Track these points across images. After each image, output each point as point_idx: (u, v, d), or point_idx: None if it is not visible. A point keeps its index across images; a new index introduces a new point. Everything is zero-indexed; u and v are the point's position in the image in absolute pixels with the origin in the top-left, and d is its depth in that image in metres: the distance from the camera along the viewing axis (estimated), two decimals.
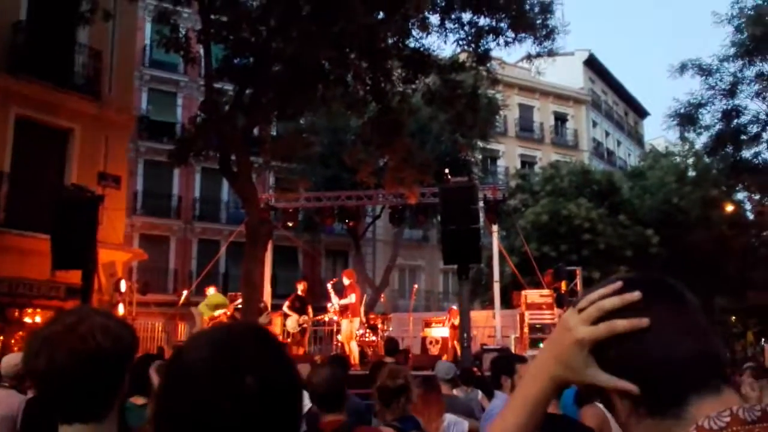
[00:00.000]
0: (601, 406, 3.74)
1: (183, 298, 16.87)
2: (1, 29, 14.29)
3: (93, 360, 1.36)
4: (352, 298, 13.87)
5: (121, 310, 14.71)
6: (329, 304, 14.78)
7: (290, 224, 17.62)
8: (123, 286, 14.99)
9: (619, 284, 0.95)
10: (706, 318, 0.96)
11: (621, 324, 0.91)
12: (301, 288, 14.88)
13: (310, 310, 14.74)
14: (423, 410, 3.80)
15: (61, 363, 1.35)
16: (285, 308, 14.51)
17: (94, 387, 1.37)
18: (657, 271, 1.04)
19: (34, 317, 14.68)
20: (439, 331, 14.85)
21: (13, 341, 13.97)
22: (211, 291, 15.05)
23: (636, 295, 0.93)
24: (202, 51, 12.43)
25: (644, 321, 0.91)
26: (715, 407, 0.88)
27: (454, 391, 6.36)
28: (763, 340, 36.26)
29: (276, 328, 13.89)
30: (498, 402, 4.78)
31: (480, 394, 7.01)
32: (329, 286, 14.75)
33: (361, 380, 6.85)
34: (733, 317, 34.61)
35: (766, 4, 18.55)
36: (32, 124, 14.90)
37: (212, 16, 12.03)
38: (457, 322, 14.03)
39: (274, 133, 20.35)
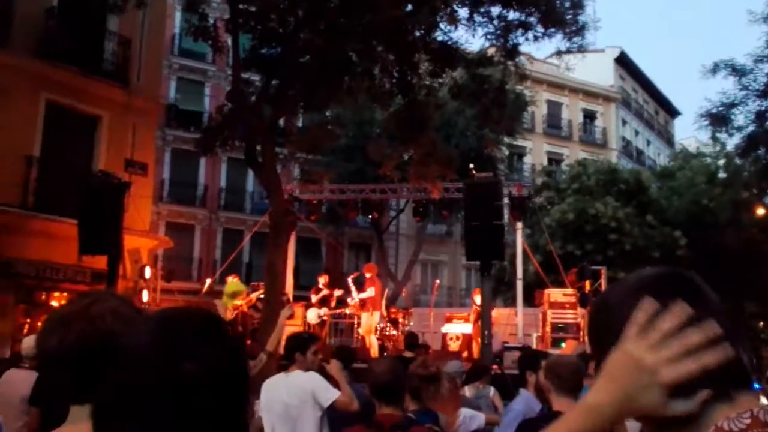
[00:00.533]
0: None
1: (207, 286, 17.01)
2: (34, 15, 14.47)
3: (102, 341, 1.35)
4: (371, 292, 13.86)
5: (145, 296, 14.87)
6: (349, 299, 14.81)
7: (314, 216, 17.67)
8: (148, 272, 15.14)
9: (688, 311, 0.89)
10: (730, 321, 0.94)
11: (710, 358, 0.86)
12: (322, 281, 14.92)
13: (332, 302, 14.79)
14: (447, 405, 3.77)
15: (71, 343, 1.36)
16: (313, 299, 14.57)
17: (104, 368, 1.37)
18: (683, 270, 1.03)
19: (60, 301, 14.91)
20: (461, 327, 14.78)
21: (39, 324, 14.21)
22: (230, 280, 15.16)
23: (715, 329, 0.89)
24: (230, 41, 12.47)
25: (726, 351, 0.87)
26: (734, 411, 0.88)
27: (465, 389, 6.32)
28: None
29: (298, 320, 13.94)
30: (520, 400, 4.73)
31: (492, 390, 6.94)
32: (350, 280, 14.76)
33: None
34: (761, 323, 34.00)
35: None
36: (62, 109, 15.09)
37: (240, 6, 12.05)
38: (478, 301, 13.96)
39: (300, 125, 20.41)
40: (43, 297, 14.92)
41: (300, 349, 4.71)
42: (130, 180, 13.50)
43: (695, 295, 0.95)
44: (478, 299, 14.56)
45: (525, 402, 4.62)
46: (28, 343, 4.91)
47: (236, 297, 14.52)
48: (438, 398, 3.63)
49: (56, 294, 14.93)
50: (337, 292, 15.02)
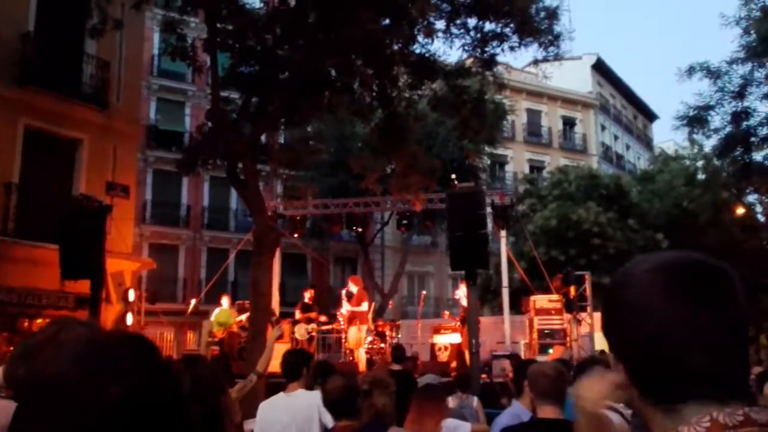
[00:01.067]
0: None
1: (192, 306, 16.88)
2: (10, 40, 14.41)
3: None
4: (364, 306, 13.87)
5: (129, 319, 14.73)
6: (340, 311, 14.75)
7: (298, 232, 17.65)
8: (132, 295, 15.00)
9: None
10: (738, 319, 0.93)
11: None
12: (308, 296, 14.88)
13: (317, 317, 14.75)
14: (416, 419, 3.76)
15: (39, 373, 1.34)
16: (297, 316, 14.53)
17: (62, 398, 1.36)
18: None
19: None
20: (449, 338, 14.79)
21: None
22: (224, 301, 14.92)
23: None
24: (208, 60, 12.48)
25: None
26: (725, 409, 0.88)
27: (449, 399, 6.31)
28: None
29: (285, 337, 13.88)
30: (507, 412, 4.71)
31: (476, 400, 6.93)
32: (343, 293, 14.70)
33: None
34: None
35: None
36: (41, 134, 15.00)
37: (218, 25, 12.07)
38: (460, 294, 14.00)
39: (282, 141, 20.42)
40: (27, 324, 14.74)
41: (306, 365, 4.76)
42: (111, 203, 13.41)
43: (720, 281, 0.95)
44: (460, 293, 14.60)
45: (512, 414, 4.59)
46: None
47: (230, 324, 14.38)
48: (372, 412, 3.64)
49: (39, 321, 14.74)
50: (322, 318, 14.97)
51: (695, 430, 0.87)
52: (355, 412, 3.48)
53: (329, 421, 4.35)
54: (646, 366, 0.93)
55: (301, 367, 4.77)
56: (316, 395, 4.52)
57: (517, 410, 4.60)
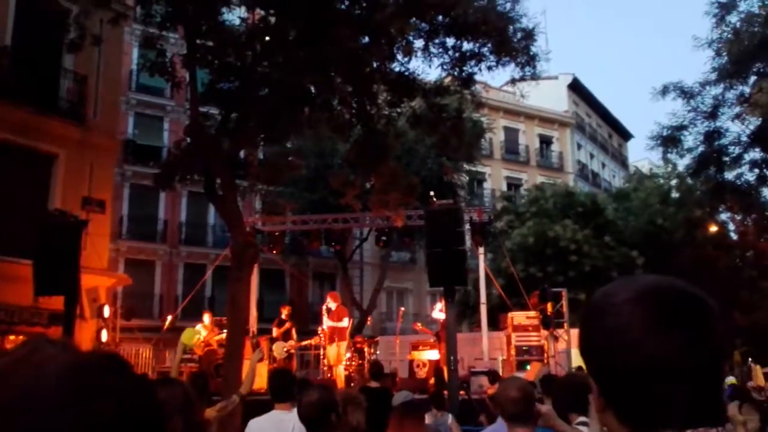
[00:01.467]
0: (581, 428, 3.71)
1: (168, 323, 16.69)
2: None
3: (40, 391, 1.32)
4: (345, 322, 13.83)
5: (104, 336, 14.52)
6: (321, 327, 14.64)
7: (276, 248, 17.59)
8: (107, 311, 14.80)
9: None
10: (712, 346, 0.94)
11: None
12: (285, 313, 14.79)
13: (293, 334, 14.65)
14: None
15: (9, 398, 1.31)
16: (274, 333, 14.42)
17: (46, 422, 1.33)
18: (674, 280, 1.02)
19: (16, 344, 14.45)
20: (428, 354, 14.79)
21: None
22: (206, 318, 14.61)
23: None
24: (187, 75, 12.46)
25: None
26: None
27: (426, 416, 6.29)
28: (750, 360, 36.41)
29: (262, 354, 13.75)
30: (494, 428, 4.71)
31: (450, 418, 6.93)
32: (324, 308, 14.59)
33: None
34: None
35: (743, 26, 18.89)
36: (17, 148, 14.84)
37: (198, 41, 12.08)
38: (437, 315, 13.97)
39: (261, 157, 20.39)
40: None
41: (294, 385, 4.75)
42: (87, 218, 13.28)
43: (697, 310, 0.96)
44: (438, 312, 14.62)
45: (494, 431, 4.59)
46: None
47: (193, 344, 14.08)
48: (347, 429, 3.65)
49: (12, 337, 14.50)
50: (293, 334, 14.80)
51: None
52: (330, 428, 3.48)
53: None
54: (625, 396, 0.95)
55: (290, 388, 4.75)
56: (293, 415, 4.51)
57: (499, 428, 4.59)
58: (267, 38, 11.81)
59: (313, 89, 12.23)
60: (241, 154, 15.26)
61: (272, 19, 12.19)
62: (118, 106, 20.39)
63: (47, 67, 15.49)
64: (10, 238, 13.70)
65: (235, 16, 13.32)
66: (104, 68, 16.76)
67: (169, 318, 17.05)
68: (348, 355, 14.16)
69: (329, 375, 14.00)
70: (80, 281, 11.92)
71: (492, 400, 3.56)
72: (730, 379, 24.16)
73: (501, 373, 13.68)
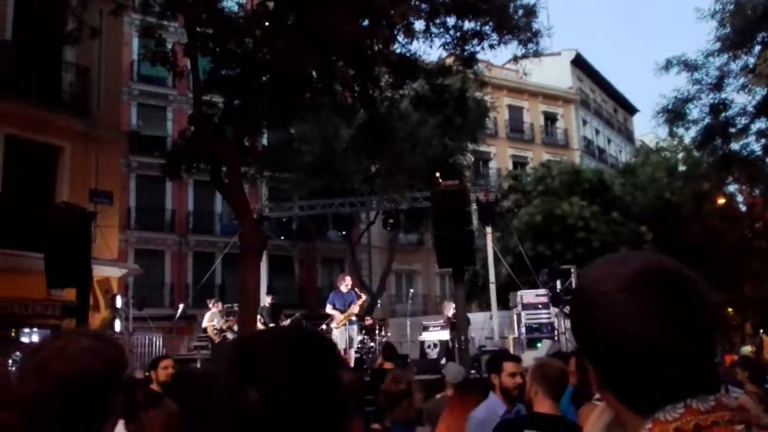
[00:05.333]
0: (599, 404, 3.74)
1: (179, 311, 16.84)
2: None
3: (82, 383, 1.34)
4: (356, 305, 13.73)
5: (117, 326, 14.67)
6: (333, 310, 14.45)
7: (284, 234, 17.66)
8: (119, 301, 14.95)
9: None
10: (704, 316, 0.96)
11: None
12: (269, 300, 14.61)
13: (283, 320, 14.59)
14: (452, 415, 3.73)
15: (50, 388, 1.33)
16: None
17: (85, 410, 1.36)
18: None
19: (31, 336, 14.63)
20: (438, 335, 14.85)
21: (10, 361, 13.92)
22: (212, 306, 14.71)
23: None
24: (189, 64, 12.46)
25: None
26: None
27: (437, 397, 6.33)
28: (761, 331, 36.42)
29: None
30: (483, 407, 4.73)
31: None
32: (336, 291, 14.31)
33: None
34: (730, 309, 34.74)
35: None
36: (22, 143, 14.90)
37: (198, 29, 12.06)
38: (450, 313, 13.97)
39: (266, 143, 20.40)
40: (13, 333, 14.65)
41: None
42: (95, 209, 13.36)
43: (688, 290, 0.97)
44: (449, 311, 14.63)
45: (487, 408, 4.57)
46: None
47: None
48: (411, 411, 3.66)
49: (26, 330, 14.67)
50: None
51: (670, 416, 0.92)
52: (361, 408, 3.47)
53: None
54: (622, 378, 0.97)
55: None
56: None
57: (491, 404, 4.58)
58: (267, 24, 11.78)
59: (314, 74, 12.21)
60: (246, 141, 15.28)
61: (271, 5, 12.16)
62: (121, 97, 20.40)
63: (49, 61, 15.50)
64: (21, 232, 13.81)
65: (233, 2, 13.29)
66: (105, 59, 16.76)
67: (181, 306, 17.19)
68: (360, 338, 14.22)
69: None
70: (91, 272, 12.03)
71: (535, 374, 3.56)
72: (746, 350, 24.18)
73: (512, 352, 13.73)
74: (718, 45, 19.88)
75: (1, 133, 14.57)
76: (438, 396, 5.99)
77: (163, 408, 2.44)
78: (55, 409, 1.34)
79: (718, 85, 20.81)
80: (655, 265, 1.00)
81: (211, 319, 14.44)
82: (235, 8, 13.07)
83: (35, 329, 14.62)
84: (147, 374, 6.37)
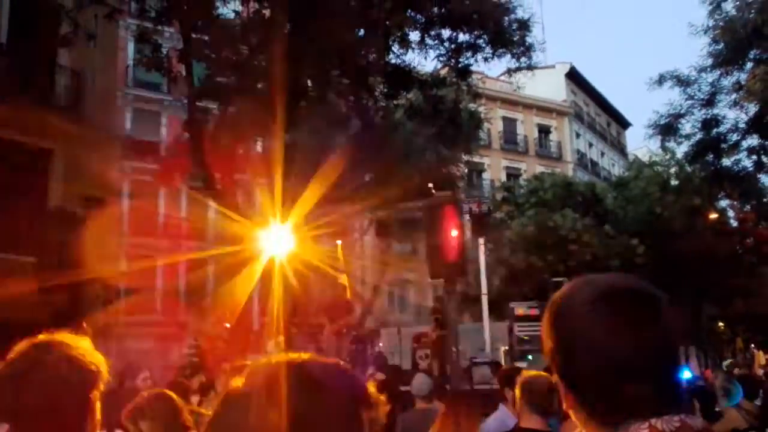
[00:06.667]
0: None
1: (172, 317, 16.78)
2: None
3: (60, 392, 1.35)
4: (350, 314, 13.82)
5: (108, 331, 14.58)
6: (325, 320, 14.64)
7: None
8: (110, 307, 14.88)
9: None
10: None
11: None
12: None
13: None
14: (445, 427, 3.70)
15: (28, 399, 1.33)
16: None
17: (63, 419, 1.35)
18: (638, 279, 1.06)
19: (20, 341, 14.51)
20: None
21: None
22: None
23: None
24: (184, 70, 12.47)
25: None
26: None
27: (435, 404, 6.28)
28: (752, 346, 36.49)
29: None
30: (494, 418, 4.72)
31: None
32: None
33: None
34: (721, 324, 34.82)
35: (739, 14, 18.83)
36: (15, 146, 14.84)
37: (193, 35, 12.08)
38: None
39: (259, 151, 20.37)
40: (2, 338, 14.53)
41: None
42: (88, 214, 13.31)
43: (651, 308, 1.00)
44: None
45: (499, 419, 4.60)
46: None
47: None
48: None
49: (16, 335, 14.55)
50: None
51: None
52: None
53: None
54: (589, 393, 0.99)
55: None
56: None
57: (502, 415, 4.60)
58: (262, 32, 11.82)
59: (309, 83, 12.24)
60: (240, 148, 15.27)
61: (267, 13, 12.19)
62: (115, 101, 20.36)
63: (43, 64, 15.47)
64: (12, 236, 13.73)
65: (229, 9, 13.32)
66: (100, 64, 16.74)
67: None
68: (352, 347, 14.21)
69: None
70: (83, 277, 11.98)
71: (522, 388, 3.55)
72: (726, 363, 24.20)
73: (503, 364, 13.72)
74: (710, 61, 20.03)
75: None
76: (416, 407, 5.89)
77: None
78: (34, 419, 1.32)
79: (710, 101, 20.95)
80: (620, 284, 1.03)
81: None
82: (231, 15, 13.10)
83: (26, 335, 14.51)
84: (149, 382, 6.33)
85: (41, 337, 1.49)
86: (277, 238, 17.48)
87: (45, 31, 14.84)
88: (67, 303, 11.45)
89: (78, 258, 11.35)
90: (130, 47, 24.13)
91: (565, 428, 4.17)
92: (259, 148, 18.73)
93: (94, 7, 12.15)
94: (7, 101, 14.31)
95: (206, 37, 12.29)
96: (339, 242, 14.11)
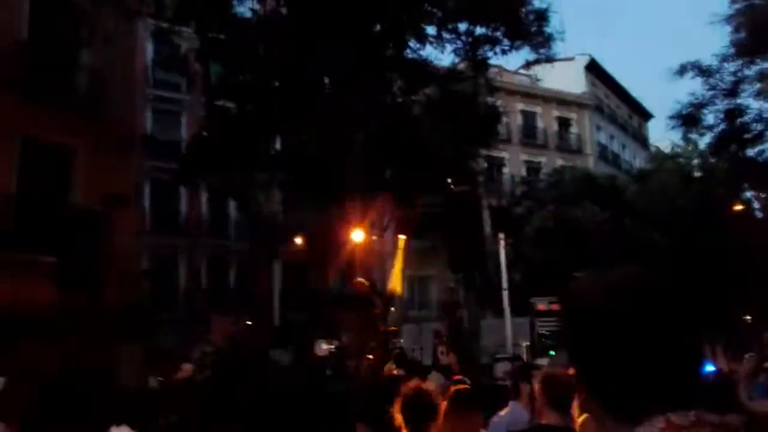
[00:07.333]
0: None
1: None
2: (6, 51, 14.44)
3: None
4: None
5: None
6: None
7: (298, 238, 17.65)
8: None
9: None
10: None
11: None
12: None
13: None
14: (448, 425, 3.68)
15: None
16: None
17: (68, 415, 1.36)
18: (662, 272, 1.04)
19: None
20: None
21: None
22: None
23: None
24: (201, 69, 12.54)
25: None
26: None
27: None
28: None
29: None
30: (508, 411, 4.72)
31: None
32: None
33: None
34: (748, 317, 34.33)
35: (762, 1, 18.52)
36: (37, 145, 15.03)
37: (210, 35, 12.14)
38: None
39: (278, 148, 20.45)
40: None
41: None
42: (109, 212, 13.43)
43: (670, 301, 0.98)
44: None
45: (513, 413, 4.62)
46: None
47: None
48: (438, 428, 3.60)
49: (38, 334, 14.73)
50: None
51: (649, 429, 0.92)
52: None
53: None
54: (606, 387, 0.98)
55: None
56: None
57: (515, 410, 4.62)
58: (278, 31, 11.84)
59: (326, 80, 12.25)
60: (259, 146, 15.32)
61: (283, 11, 12.21)
62: (135, 101, 20.52)
63: (64, 64, 15.64)
64: (34, 234, 13.90)
65: (246, 8, 13.37)
66: (120, 63, 16.87)
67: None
68: (373, 343, 14.17)
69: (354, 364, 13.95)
70: (104, 275, 12.11)
71: (542, 384, 3.52)
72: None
73: (525, 359, 13.66)
74: (733, 50, 19.72)
75: (16, 135, 14.70)
76: None
77: None
78: (36, 415, 1.34)
79: (733, 91, 20.64)
80: (638, 276, 1.02)
81: None
82: (248, 14, 13.13)
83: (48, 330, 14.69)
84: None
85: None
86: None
87: (66, 30, 15.01)
88: (88, 300, 11.57)
89: (99, 255, 11.46)
90: (149, 47, 24.34)
91: (580, 424, 4.10)
92: (277, 145, 18.82)
93: (114, 8, 12.26)
94: (28, 100, 14.50)
95: (223, 37, 12.35)
96: (402, 237, 14.01)
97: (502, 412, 4.86)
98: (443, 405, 3.70)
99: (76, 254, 11.05)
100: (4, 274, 13.59)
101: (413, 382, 4.06)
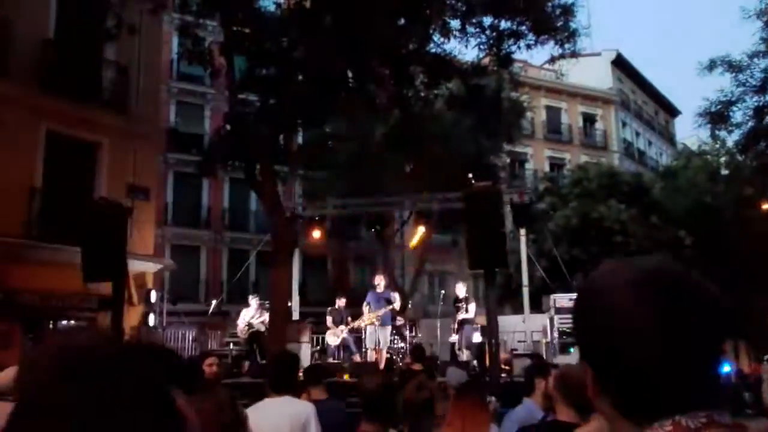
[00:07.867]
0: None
1: (213, 307, 17.02)
2: (31, 46, 14.64)
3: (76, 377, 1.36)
4: (390, 305, 13.69)
5: (151, 320, 14.91)
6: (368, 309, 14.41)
7: (318, 232, 17.68)
8: (153, 296, 15.20)
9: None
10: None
11: None
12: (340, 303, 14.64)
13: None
14: (455, 420, 3.66)
15: (44, 382, 1.35)
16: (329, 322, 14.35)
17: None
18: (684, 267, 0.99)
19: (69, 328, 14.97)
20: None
21: None
22: (252, 302, 14.61)
23: None
24: (226, 63, 12.58)
25: None
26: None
27: None
28: None
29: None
30: (522, 407, 4.70)
31: (493, 401, 6.89)
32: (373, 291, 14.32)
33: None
34: None
35: None
36: (62, 139, 15.23)
37: (234, 28, 12.16)
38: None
39: (300, 142, 20.50)
40: (50, 326, 14.98)
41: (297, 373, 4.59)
42: (133, 205, 13.57)
43: (690, 295, 0.93)
44: (461, 292, 14.54)
45: (527, 409, 4.60)
46: (8, 375, 4.56)
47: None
48: (447, 416, 3.59)
49: (63, 322, 14.99)
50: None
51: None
52: (386, 418, 3.34)
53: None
54: (617, 384, 0.94)
55: (294, 376, 4.43)
56: (309, 405, 4.26)
57: (530, 406, 4.60)
58: (303, 24, 11.83)
59: (349, 73, 12.22)
60: (281, 139, 15.36)
61: (308, 4, 12.20)
62: (160, 94, 20.71)
63: (89, 58, 15.81)
64: (59, 226, 14.10)
65: (270, 2, 13.37)
66: (145, 57, 17.03)
67: (214, 302, 17.37)
68: (390, 338, 14.16)
69: (376, 357, 13.94)
70: (127, 267, 12.22)
71: (558, 381, 3.49)
72: None
73: (544, 356, 13.56)
74: (763, 46, 19.34)
75: (42, 129, 14.91)
76: None
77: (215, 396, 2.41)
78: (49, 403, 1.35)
79: (763, 87, 20.26)
80: (657, 268, 0.96)
81: (245, 316, 14.50)
82: (272, 8, 13.15)
83: (72, 321, 14.91)
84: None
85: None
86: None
87: (91, 25, 15.16)
88: (112, 292, 11.68)
89: (122, 247, 11.56)
90: (174, 41, 24.52)
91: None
92: (299, 139, 18.88)
93: (138, 2, 12.34)
94: (54, 94, 14.70)
95: (247, 30, 12.37)
96: (422, 228, 14.00)
97: (517, 408, 4.84)
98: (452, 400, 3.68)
99: (100, 247, 11.13)
100: (32, 264, 13.84)
101: (418, 378, 4.04)
